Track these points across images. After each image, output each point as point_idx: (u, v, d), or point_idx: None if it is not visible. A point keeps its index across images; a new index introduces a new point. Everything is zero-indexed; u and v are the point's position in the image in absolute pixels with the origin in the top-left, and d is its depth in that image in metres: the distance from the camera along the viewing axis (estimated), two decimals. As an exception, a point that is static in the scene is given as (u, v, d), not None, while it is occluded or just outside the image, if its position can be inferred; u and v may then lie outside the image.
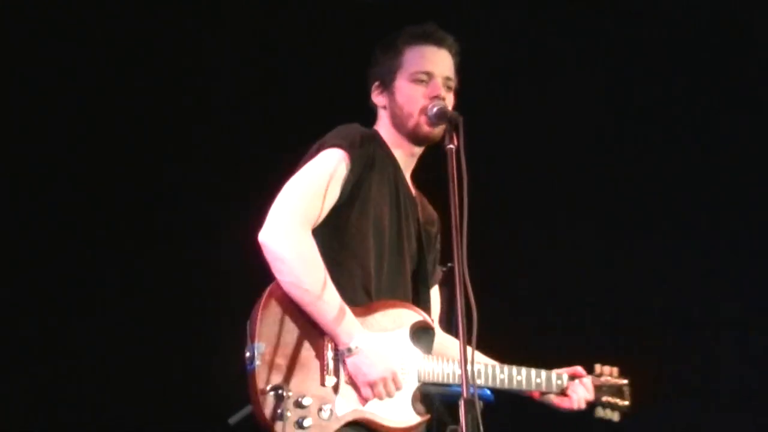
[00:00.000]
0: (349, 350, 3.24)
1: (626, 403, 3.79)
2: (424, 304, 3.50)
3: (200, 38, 5.66)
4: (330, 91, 5.53)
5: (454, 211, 3.22)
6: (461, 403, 3.02)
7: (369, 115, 3.72)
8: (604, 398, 3.76)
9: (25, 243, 5.51)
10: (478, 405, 3.02)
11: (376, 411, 3.29)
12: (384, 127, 3.60)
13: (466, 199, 3.21)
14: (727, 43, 5.71)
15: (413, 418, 3.35)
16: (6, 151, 5.46)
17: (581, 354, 3.85)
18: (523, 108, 5.77)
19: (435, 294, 3.74)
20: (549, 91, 5.83)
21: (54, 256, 5.51)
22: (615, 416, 3.78)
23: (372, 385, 3.26)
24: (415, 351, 3.38)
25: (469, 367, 3.00)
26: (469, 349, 3.03)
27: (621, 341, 5.60)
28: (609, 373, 3.79)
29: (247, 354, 3.18)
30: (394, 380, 3.29)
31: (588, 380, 3.72)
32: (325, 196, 3.33)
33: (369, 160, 3.43)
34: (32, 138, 5.51)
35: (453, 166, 3.25)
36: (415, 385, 3.37)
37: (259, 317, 3.20)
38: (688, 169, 5.80)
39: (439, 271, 3.75)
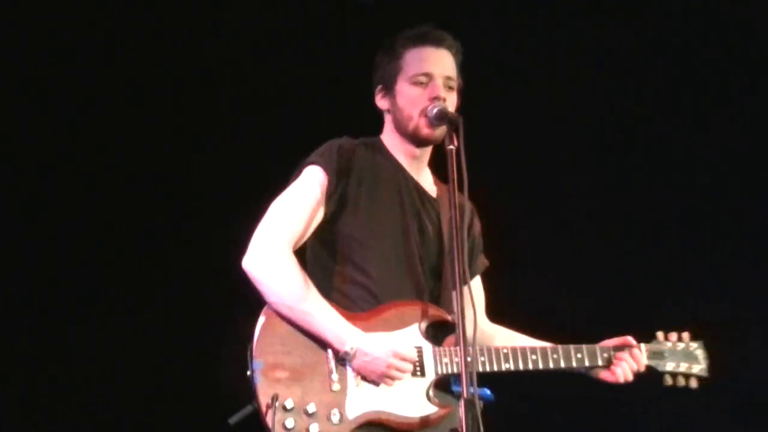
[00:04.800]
0: (347, 354, 3.29)
1: (701, 366, 3.61)
2: (449, 302, 3.47)
3: (198, 41, 5.66)
4: (330, 92, 5.54)
5: (454, 212, 3.24)
6: (461, 403, 3.04)
7: (367, 117, 3.73)
8: (669, 365, 3.59)
9: (28, 245, 5.52)
10: (478, 405, 3.03)
11: (389, 408, 3.31)
12: (388, 130, 3.64)
13: (467, 200, 3.22)
14: (727, 41, 5.72)
15: (429, 409, 3.35)
16: (16, 152, 5.46)
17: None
18: (523, 108, 5.77)
19: (477, 285, 3.74)
20: (548, 90, 5.83)
21: (56, 258, 5.51)
22: (692, 382, 3.60)
23: (385, 375, 3.29)
24: (428, 345, 3.39)
25: (470, 366, 3.03)
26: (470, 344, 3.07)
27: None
28: (676, 339, 3.62)
29: (248, 372, 3.29)
30: (402, 358, 3.31)
31: (638, 350, 3.59)
32: (305, 213, 3.43)
33: (349, 170, 3.48)
34: (41, 139, 5.51)
35: (453, 167, 3.27)
36: (432, 378, 3.37)
37: (257, 337, 3.30)
38: (687, 169, 5.80)
39: (482, 261, 3.75)
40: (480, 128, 3.43)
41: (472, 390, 3.05)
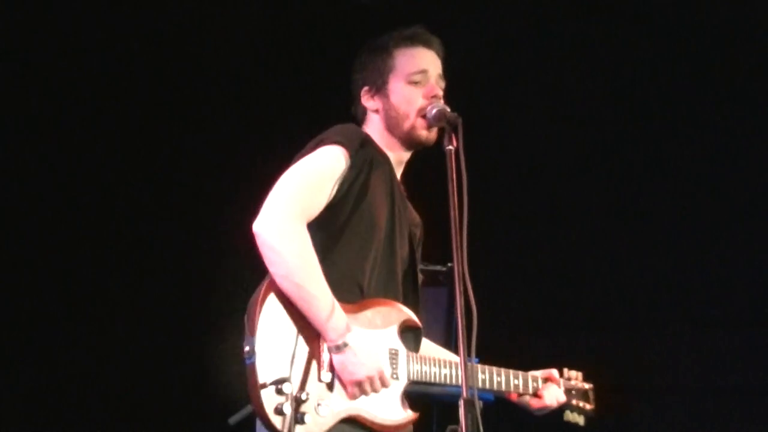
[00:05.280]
0: (338, 347, 3.21)
1: (591, 407, 3.87)
2: (413, 305, 3.49)
3: (195, 38, 5.66)
4: (327, 90, 5.54)
5: (454, 212, 3.23)
6: (461, 403, 3.03)
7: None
8: (574, 401, 3.84)
9: (25, 245, 5.52)
10: (478, 405, 3.02)
11: (367, 408, 3.28)
12: (375, 131, 3.57)
13: (466, 200, 3.21)
14: (730, 42, 5.72)
15: (403, 415, 3.36)
16: (9, 154, 5.46)
17: (556, 358, 3.91)
18: (520, 108, 5.78)
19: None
20: (547, 90, 5.83)
21: (55, 257, 5.52)
22: (581, 420, 3.86)
23: (359, 384, 3.24)
24: (403, 349, 3.39)
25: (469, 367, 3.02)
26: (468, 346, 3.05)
27: (600, 342, 5.61)
28: (575, 378, 3.88)
29: (246, 348, 3.15)
30: (382, 379, 3.27)
31: (561, 382, 3.81)
32: (322, 192, 3.32)
33: (368, 160, 3.41)
34: (32, 141, 5.51)
35: (452, 167, 3.25)
36: (405, 383, 3.38)
37: (257, 311, 3.17)
38: (680, 170, 5.81)
39: (421, 276, 3.73)
40: (476, 128, 3.43)
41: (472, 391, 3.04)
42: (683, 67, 5.75)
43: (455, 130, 3.27)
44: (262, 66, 5.74)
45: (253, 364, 3.12)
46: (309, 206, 3.29)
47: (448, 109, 3.45)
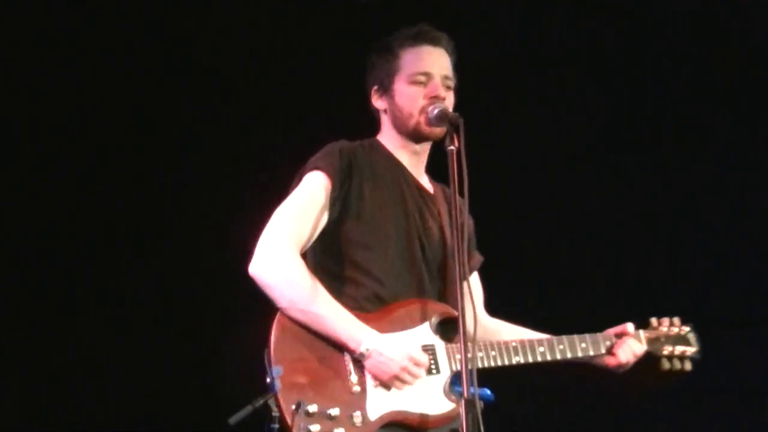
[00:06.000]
0: (362, 355, 3.28)
1: (694, 349, 3.70)
2: (453, 298, 3.42)
3: (194, 38, 5.65)
4: (328, 91, 5.54)
5: (455, 212, 3.24)
6: (461, 403, 3.03)
7: (365, 116, 3.73)
8: (666, 350, 3.67)
9: (26, 245, 5.51)
10: (478, 405, 3.03)
11: (409, 407, 3.31)
12: (386, 130, 3.63)
13: (467, 200, 3.22)
14: (730, 42, 5.73)
15: (448, 406, 3.36)
16: (11, 153, 5.45)
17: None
18: (522, 108, 5.77)
19: (475, 280, 3.75)
20: (549, 89, 5.83)
21: (57, 257, 5.51)
22: (687, 365, 3.68)
23: (397, 377, 3.28)
24: (440, 342, 3.39)
25: (469, 366, 3.03)
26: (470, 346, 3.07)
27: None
28: (668, 324, 3.72)
29: (268, 380, 3.27)
30: (416, 363, 3.30)
31: (640, 333, 3.67)
32: (310, 218, 3.42)
33: (351, 172, 3.48)
34: (34, 140, 5.50)
35: (454, 167, 3.26)
36: (447, 374, 3.37)
37: (273, 342, 3.28)
38: (685, 168, 5.81)
39: (477, 257, 3.74)
40: (477, 128, 3.43)
41: (472, 390, 3.04)
42: (685, 66, 5.76)
43: (457, 131, 3.29)
44: (261, 66, 5.73)
45: (276, 393, 3.23)
46: (299, 235, 3.40)
47: (450, 110, 3.47)
